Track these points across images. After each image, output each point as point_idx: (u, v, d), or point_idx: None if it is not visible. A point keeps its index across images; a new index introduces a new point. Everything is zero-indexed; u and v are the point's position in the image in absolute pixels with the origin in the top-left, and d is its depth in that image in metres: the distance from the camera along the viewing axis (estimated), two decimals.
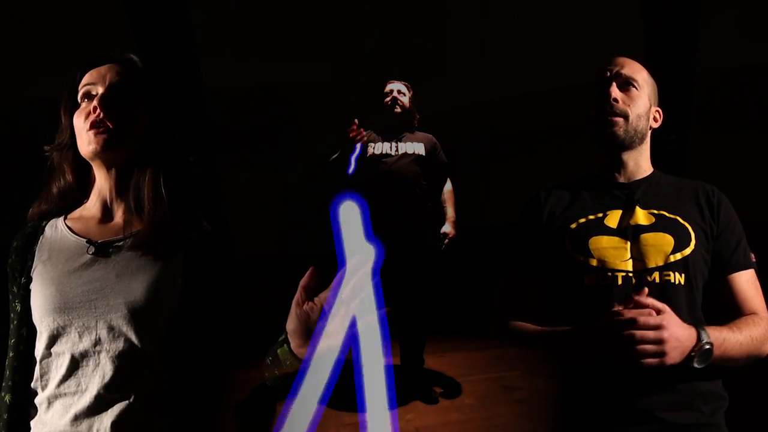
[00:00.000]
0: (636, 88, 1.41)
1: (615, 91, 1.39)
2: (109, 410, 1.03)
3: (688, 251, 1.31)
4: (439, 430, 2.86)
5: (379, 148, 3.18)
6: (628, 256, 1.32)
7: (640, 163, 1.44)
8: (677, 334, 1.16)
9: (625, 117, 1.38)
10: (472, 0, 4.34)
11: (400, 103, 3.27)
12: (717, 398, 1.29)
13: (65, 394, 1.05)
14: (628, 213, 1.37)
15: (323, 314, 0.94)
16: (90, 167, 1.17)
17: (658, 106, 1.47)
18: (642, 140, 1.43)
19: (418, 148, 3.21)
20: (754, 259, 1.36)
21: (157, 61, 3.05)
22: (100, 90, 1.11)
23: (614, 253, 1.32)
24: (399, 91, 3.28)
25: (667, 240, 1.32)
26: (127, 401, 1.03)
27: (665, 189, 1.42)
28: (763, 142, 3.73)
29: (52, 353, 1.07)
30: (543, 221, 1.42)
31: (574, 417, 1.34)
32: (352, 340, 0.92)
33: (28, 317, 1.09)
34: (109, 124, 1.09)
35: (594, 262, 1.32)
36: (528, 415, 2.89)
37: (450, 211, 3.32)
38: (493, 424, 2.91)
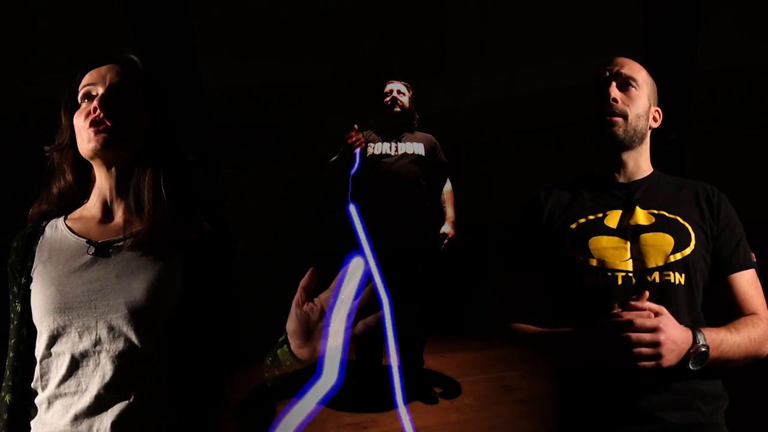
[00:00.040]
0: (635, 88, 1.41)
1: (614, 91, 1.39)
2: (109, 410, 1.03)
3: (688, 251, 1.31)
4: (439, 430, 2.85)
5: (378, 148, 3.18)
6: (628, 256, 1.32)
7: (639, 163, 1.44)
8: (673, 337, 1.16)
9: (625, 117, 1.38)
10: (472, 0, 4.34)
11: (400, 103, 3.26)
12: (717, 398, 1.29)
13: (65, 394, 1.05)
14: (628, 213, 1.37)
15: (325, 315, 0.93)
16: (90, 167, 1.17)
17: (658, 106, 1.47)
18: (642, 140, 1.43)
19: (417, 148, 3.21)
20: (755, 259, 1.36)
21: (157, 61, 3.05)
22: (100, 90, 1.12)
23: (614, 253, 1.32)
24: (399, 91, 3.28)
25: (667, 240, 1.32)
26: (127, 401, 1.03)
27: (665, 189, 1.42)
28: (763, 142, 3.73)
29: (52, 353, 1.07)
30: (543, 221, 1.42)
31: (574, 417, 1.34)
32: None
33: (28, 317, 1.09)
34: (108, 122, 1.09)
35: (594, 262, 1.32)
36: (528, 415, 2.89)
37: (449, 212, 3.32)
38: (493, 424, 2.91)
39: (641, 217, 1.36)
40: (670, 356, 1.16)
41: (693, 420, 1.25)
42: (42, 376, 1.07)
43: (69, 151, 1.15)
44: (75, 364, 1.05)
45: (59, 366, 1.06)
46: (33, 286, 1.10)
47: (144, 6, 3.07)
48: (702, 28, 3.33)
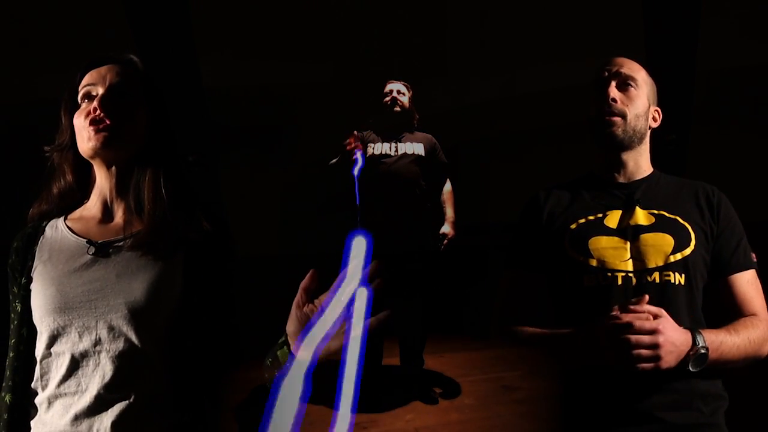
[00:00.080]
0: (634, 88, 1.40)
1: (613, 91, 1.39)
2: (109, 410, 1.03)
3: (688, 251, 1.31)
4: (439, 430, 2.86)
5: (378, 148, 3.18)
6: (628, 256, 1.32)
7: (639, 163, 1.44)
8: (672, 339, 1.16)
9: (624, 117, 1.38)
10: (472, 0, 4.34)
11: (400, 103, 3.26)
12: (717, 398, 1.29)
13: (65, 394, 1.05)
14: (627, 213, 1.37)
15: (323, 316, 0.93)
16: (90, 167, 1.17)
17: (658, 105, 1.47)
18: (641, 140, 1.43)
19: (417, 148, 3.21)
20: (755, 259, 1.36)
21: (157, 61, 3.05)
22: (100, 90, 1.12)
23: (614, 253, 1.32)
24: (399, 91, 3.28)
25: (667, 240, 1.32)
26: (127, 401, 1.03)
27: (665, 189, 1.42)
28: (763, 142, 3.73)
29: (53, 353, 1.07)
30: (543, 221, 1.42)
31: (574, 417, 1.34)
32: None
33: (28, 317, 1.09)
34: (108, 122, 1.09)
35: (594, 263, 1.32)
36: (528, 415, 2.89)
37: (449, 212, 3.32)
38: (493, 424, 2.91)
39: (641, 217, 1.36)
40: (669, 358, 1.16)
41: (693, 420, 1.25)
42: (42, 376, 1.08)
43: (69, 151, 1.16)
44: (75, 364, 1.05)
45: (59, 366, 1.06)
46: (33, 286, 1.10)
47: (144, 6, 3.08)
48: (702, 28, 3.33)
